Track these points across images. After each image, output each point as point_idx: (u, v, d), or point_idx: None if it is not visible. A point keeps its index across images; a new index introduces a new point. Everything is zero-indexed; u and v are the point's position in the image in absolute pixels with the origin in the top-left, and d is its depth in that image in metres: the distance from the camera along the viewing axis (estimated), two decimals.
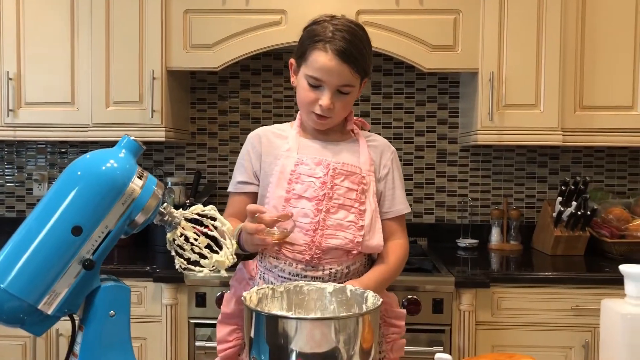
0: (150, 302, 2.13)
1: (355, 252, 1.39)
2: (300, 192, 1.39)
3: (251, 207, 1.28)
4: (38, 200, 2.86)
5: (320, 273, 1.37)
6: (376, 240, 1.42)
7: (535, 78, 2.32)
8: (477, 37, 2.33)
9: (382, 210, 1.48)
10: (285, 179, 1.40)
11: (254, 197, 1.48)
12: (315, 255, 1.36)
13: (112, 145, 0.93)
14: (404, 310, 1.53)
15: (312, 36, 1.37)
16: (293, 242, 1.37)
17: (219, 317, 1.50)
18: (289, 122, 1.55)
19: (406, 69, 2.74)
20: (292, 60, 1.46)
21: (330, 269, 1.38)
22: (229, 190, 1.54)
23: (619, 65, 2.36)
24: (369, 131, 1.57)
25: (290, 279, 1.37)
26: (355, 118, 1.53)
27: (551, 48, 2.31)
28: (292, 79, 1.47)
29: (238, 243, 1.34)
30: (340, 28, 1.35)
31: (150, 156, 2.82)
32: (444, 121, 2.77)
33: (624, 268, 0.82)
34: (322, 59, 1.33)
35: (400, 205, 1.50)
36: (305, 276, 1.37)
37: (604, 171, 2.76)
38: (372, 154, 1.48)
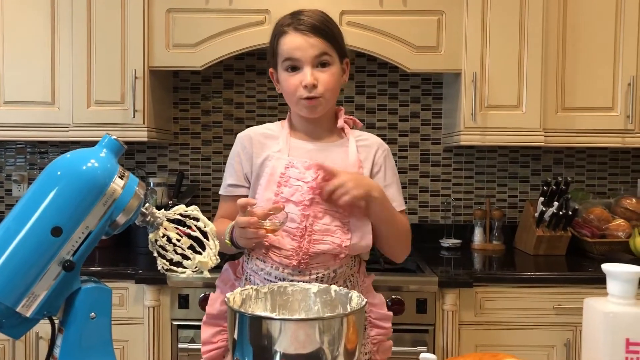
0: (132, 303, 2.11)
1: (342, 255, 1.39)
2: (288, 195, 1.37)
3: (241, 200, 1.28)
4: (17, 201, 2.79)
5: (307, 278, 1.36)
6: (365, 241, 1.40)
7: (518, 79, 2.34)
8: (460, 39, 2.34)
9: None
10: (275, 181, 1.38)
11: None
12: (302, 261, 1.35)
13: (94, 146, 0.91)
14: (390, 313, 1.53)
15: (276, 29, 1.41)
16: (280, 246, 1.35)
17: (204, 318, 1.48)
18: (276, 121, 1.54)
19: (390, 69, 2.75)
20: (270, 70, 1.47)
21: (318, 273, 1.37)
22: (220, 192, 1.52)
23: (599, 67, 2.39)
24: (361, 129, 1.56)
25: (275, 282, 1.36)
26: (345, 116, 1.51)
27: (533, 50, 2.33)
28: (276, 88, 1.46)
29: (231, 240, 1.34)
30: (300, 12, 1.38)
31: (132, 156, 2.79)
32: (427, 122, 2.79)
33: (606, 267, 0.82)
34: (289, 40, 1.36)
35: (394, 202, 1.47)
36: (292, 280, 1.35)
37: (585, 171, 2.79)
38: (362, 153, 1.47)
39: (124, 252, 2.48)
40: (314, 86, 1.35)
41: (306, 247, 1.34)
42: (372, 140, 1.52)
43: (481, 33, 2.33)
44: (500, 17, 2.33)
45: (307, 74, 1.35)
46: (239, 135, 1.50)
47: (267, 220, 1.26)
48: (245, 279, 1.45)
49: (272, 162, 1.41)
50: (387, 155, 1.51)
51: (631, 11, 2.37)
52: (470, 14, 2.33)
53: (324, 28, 1.36)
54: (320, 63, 1.37)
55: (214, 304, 1.48)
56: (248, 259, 1.45)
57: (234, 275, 1.49)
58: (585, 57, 2.39)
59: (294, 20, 1.37)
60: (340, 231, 1.37)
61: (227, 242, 1.34)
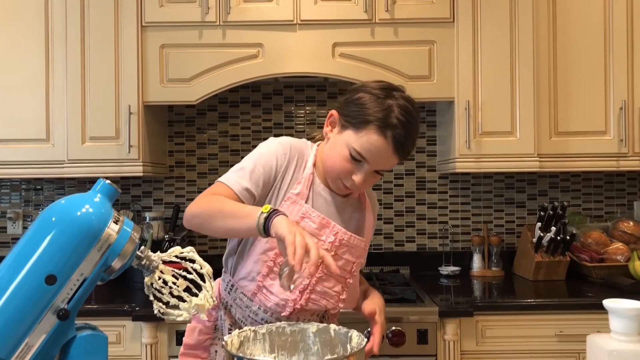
0: (129, 341, 2.08)
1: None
2: None
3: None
4: (12, 239, 2.75)
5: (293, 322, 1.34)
6: (352, 305, 1.44)
7: (511, 106, 2.35)
8: (452, 67, 2.36)
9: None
10: None
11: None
12: (294, 312, 1.32)
13: (89, 182, 0.91)
14: None
15: (374, 112, 1.25)
16: (276, 293, 1.31)
17: (181, 349, 1.45)
18: (304, 139, 1.45)
19: None
20: (335, 113, 1.33)
21: (304, 319, 1.36)
22: (228, 183, 1.31)
23: (591, 92, 2.41)
24: None
25: (260, 322, 1.33)
26: None
27: (525, 76, 2.35)
28: (326, 129, 1.36)
29: (266, 224, 1.13)
30: (403, 114, 1.25)
31: (127, 191, 2.78)
32: (422, 149, 2.79)
33: (608, 304, 0.81)
34: (379, 144, 1.24)
35: (363, 260, 1.47)
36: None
37: (580, 195, 2.80)
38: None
39: (120, 288, 2.45)
40: (359, 186, 1.31)
41: (301, 303, 1.31)
42: (372, 196, 1.52)
43: (472, 61, 2.35)
44: (491, 45, 2.35)
45: (361, 176, 1.28)
46: (281, 141, 1.36)
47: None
48: (225, 308, 1.41)
49: (288, 204, 1.32)
50: (377, 212, 1.54)
51: (619, 36, 2.40)
52: (461, 43, 2.35)
53: (411, 147, 1.29)
54: (379, 172, 1.31)
55: (192, 335, 1.44)
56: (229, 288, 1.40)
57: None
58: (577, 83, 2.41)
59: (394, 128, 1.23)
60: (337, 297, 1.36)
61: (265, 209, 1.14)
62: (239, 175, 1.31)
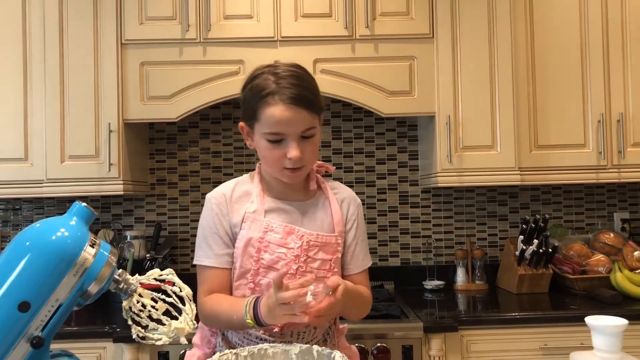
0: None
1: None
2: (270, 263, 1.30)
3: (276, 277, 1.15)
4: None
5: (288, 338, 1.32)
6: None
7: (491, 120, 2.37)
8: (432, 82, 2.38)
9: (346, 266, 1.43)
10: (254, 246, 1.31)
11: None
12: (285, 326, 1.31)
13: (68, 201, 0.89)
14: None
15: (257, 92, 1.28)
16: None
17: None
18: (243, 175, 1.46)
19: (365, 113, 2.77)
20: (242, 124, 1.36)
21: (299, 332, 1.34)
22: (203, 264, 1.36)
23: (569, 106, 2.44)
24: (331, 175, 1.52)
25: (257, 342, 1.32)
26: (317, 163, 1.46)
27: (504, 91, 2.37)
28: (247, 142, 1.37)
29: (255, 318, 1.20)
30: (282, 75, 1.28)
31: (108, 209, 2.75)
32: (404, 164, 2.80)
33: (590, 321, 0.81)
34: (277, 113, 1.25)
35: (364, 260, 1.45)
36: (274, 340, 1.31)
37: (562, 207, 2.82)
38: (342, 208, 1.42)
39: (101, 309, 2.40)
40: (300, 159, 1.28)
41: None
42: (345, 193, 1.46)
43: (452, 76, 2.37)
44: (471, 60, 2.38)
45: (294, 149, 1.26)
46: (209, 197, 1.39)
47: (310, 295, 1.13)
48: (223, 334, 1.41)
49: (248, 223, 1.33)
50: (359, 211, 1.47)
51: (595, 50, 2.44)
52: (441, 59, 2.37)
53: (310, 96, 1.27)
54: (306, 135, 1.29)
55: None
56: None
57: (210, 331, 1.45)
58: (555, 97, 2.44)
59: (279, 89, 1.25)
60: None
61: (249, 321, 1.21)
62: (204, 249, 1.36)
